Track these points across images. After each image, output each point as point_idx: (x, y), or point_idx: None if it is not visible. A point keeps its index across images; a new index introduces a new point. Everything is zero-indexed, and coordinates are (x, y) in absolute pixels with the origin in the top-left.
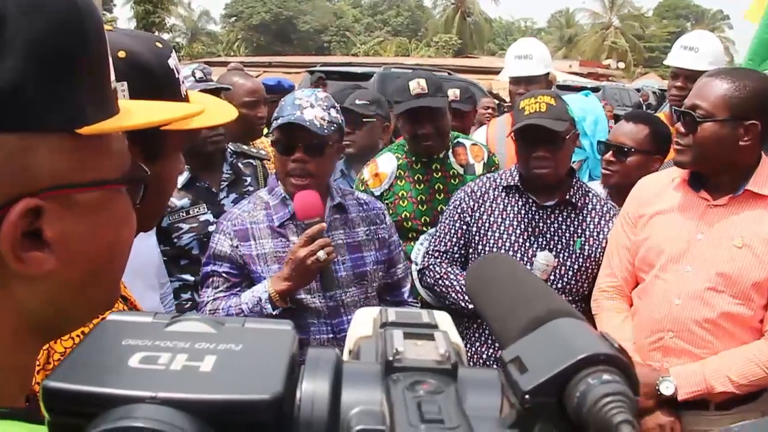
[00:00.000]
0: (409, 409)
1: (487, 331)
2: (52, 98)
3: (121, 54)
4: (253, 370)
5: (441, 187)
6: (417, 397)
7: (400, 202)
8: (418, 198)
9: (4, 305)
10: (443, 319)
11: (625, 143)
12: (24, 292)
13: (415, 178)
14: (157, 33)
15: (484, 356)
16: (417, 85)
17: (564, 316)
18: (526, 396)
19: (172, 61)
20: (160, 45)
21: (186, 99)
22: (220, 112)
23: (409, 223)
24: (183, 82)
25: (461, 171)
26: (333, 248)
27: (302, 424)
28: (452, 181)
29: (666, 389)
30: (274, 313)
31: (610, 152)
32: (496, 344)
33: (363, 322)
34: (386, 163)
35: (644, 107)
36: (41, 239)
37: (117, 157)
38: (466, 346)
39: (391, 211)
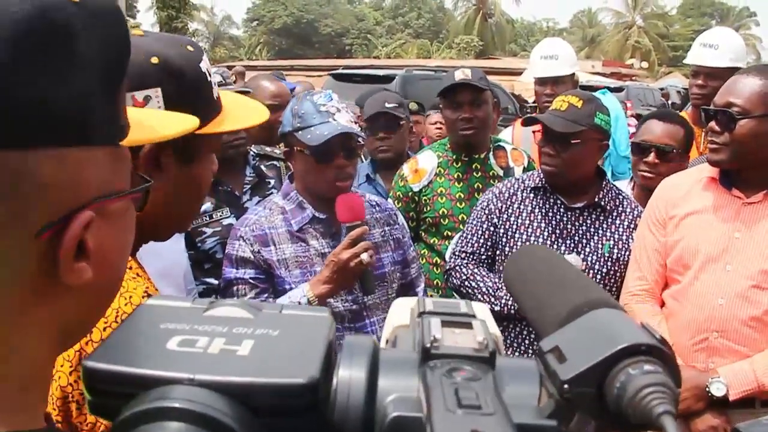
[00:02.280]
0: (446, 394)
1: (513, 334)
2: (108, 112)
3: (155, 60)
4: (289, 354)
5: (480, 186)
6: (454, 383)
7: (438, 199)
8: (457, 195)
9: (48, 320)
10: (481, 309)
11: (671, 144)
12: (64, 305)
13: (455, 176)
14: None
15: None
16: (462, 73)
17: (604, 307)
18: (565, 386)
19: (204, 65)
20: (191, 48)
21: (218, 101)
22: (253, 114)
23: (446, 220)
24: (215, 84)
25: (501, 173)
26: (374, 251)
27: (338, 410)
28: (491, 181)
29: (717, 390)
30: None
31: (653, 154)
32: (522, 347)
33: (400, 311)
34: (427, 160)
35: (669, 106)
36: (83, 250)
37: (128, 167)
38: None
39: (428, 208)
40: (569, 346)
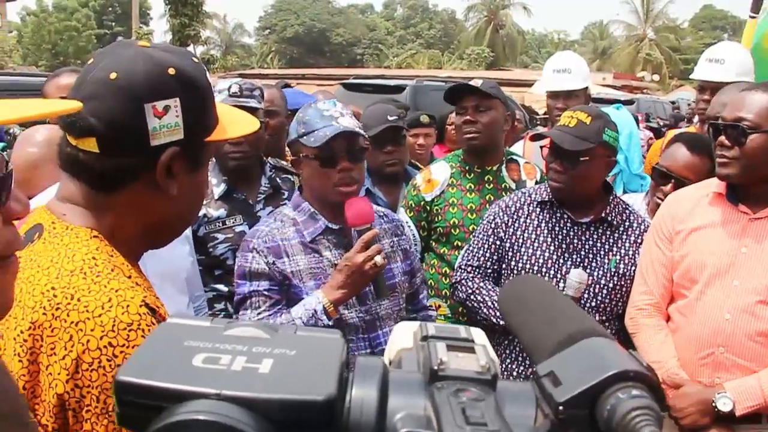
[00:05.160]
0: (454, 413)
1: (518, 348)
2: None
3: (171, 71)
4: (307, 373)
5: (492, 198)
6: (461, 403)
7: (450, 209)
8: (468, 206)
9: None
10: (479, 335)
11: (690, 178)
12: None
13: (467, 187)
14: (192, 45)
15: (515, 373)
16: (474, 82)
17: (595, 336)
18: (560, 407)
19: (207, 75)
20: (196, 60)
21: (216, 111)
22: (246, 124)
23: (457, 230)
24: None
25: (513, 185)
26: (386, 254)
27: (352, 426)
28: (503, 193)
29: (723, 405)
30: (330, 323)
31: (671, 185)
32: (527, 361)
33: (403, 335)
34: (440, 170)
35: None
36: None
37: None
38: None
39: (439, 218)
40: (563, 371)
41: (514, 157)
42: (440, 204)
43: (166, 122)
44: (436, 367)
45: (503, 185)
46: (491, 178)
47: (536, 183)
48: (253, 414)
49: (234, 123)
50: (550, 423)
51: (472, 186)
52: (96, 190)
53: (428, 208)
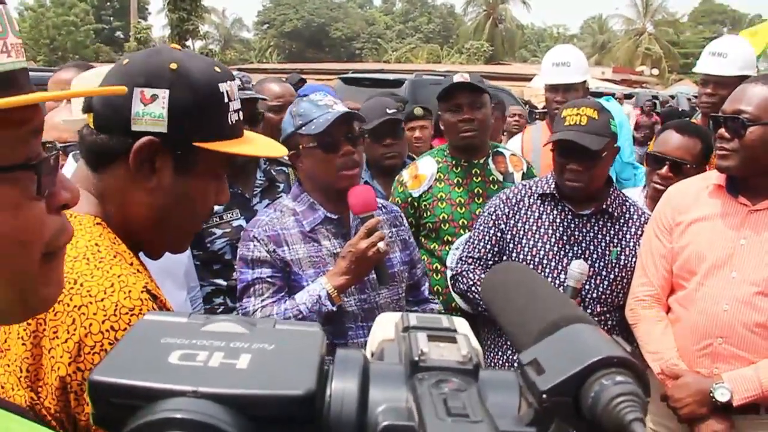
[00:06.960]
0: (436, 404)
1: None
2: None
3: (173, 66)
4: (286, 367)
5: (480, 191)
6: (442, 394)
7: (439, 204)
8: (457, 200)
9: None
10: (462, 325)
11: (684, 158)
12: None
13: (455, 181)
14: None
15: (516, 364)
16: (460, 76)
17: (579, 322)
18: (544, 395)
19: (225, 86)
20: (218, 69)
21: (236, 126)
22: (268, 147)
23: (447, 225)
24: (234, 110)
25: (500, 178)
26: (389, 241)
27: (332, 420)
28: (491, 186)
29: (721, 396)
30: (333, 309)
31: (667, 167)
32: None
33: (385, 326)
34: (426, 165)
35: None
36: None
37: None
38: (498, 354)
39: (428, 213)
40: (547, 358)
41: (500, 149)
42: (428, 199)
43: (150, 110)
44: (417, 358)
45: (491, 178)
46: (478, 171)
47: (523, 175)
48: (231, 410)
49: (255, 145)
50: (534, 411)
51: (460, 180)
52: (90, 169)
53: (416, 204)
